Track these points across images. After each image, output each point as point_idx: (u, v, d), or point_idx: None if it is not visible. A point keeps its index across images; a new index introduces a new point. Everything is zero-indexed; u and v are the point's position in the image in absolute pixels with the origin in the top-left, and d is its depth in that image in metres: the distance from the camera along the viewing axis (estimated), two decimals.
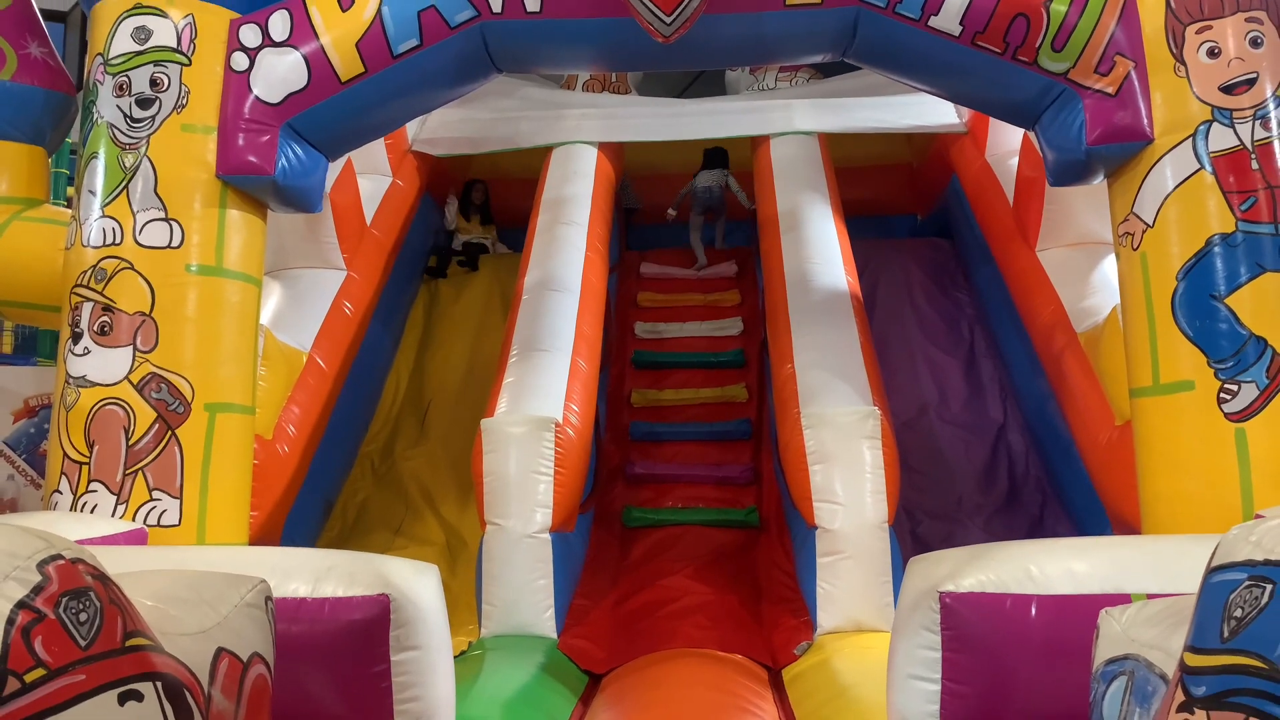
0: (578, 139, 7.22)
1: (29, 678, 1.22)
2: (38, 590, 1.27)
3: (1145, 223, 4.07)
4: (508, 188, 7.92)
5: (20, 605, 1.24)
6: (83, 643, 1.30)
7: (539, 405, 4.82)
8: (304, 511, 5.26)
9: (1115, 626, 2.02)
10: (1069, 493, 5.43)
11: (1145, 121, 4.10)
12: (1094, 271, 5.49)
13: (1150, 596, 2.46)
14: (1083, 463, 5.00)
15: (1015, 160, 6.26)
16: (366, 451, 6.28)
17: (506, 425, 4.65)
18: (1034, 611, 2.43)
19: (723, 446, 6.31)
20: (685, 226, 8.04)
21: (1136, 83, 4.12)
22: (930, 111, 7.15)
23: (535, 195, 6.77)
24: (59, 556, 1.35)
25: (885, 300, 6.74)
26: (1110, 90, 4.16)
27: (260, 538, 4.58)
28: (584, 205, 6.54)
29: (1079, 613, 2.36)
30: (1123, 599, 2.41)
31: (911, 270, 7.09)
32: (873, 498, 4.48)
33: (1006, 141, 6.56)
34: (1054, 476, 5.67)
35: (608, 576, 5.42)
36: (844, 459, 4.51)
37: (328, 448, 5.50)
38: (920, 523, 5.47)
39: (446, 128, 7.21)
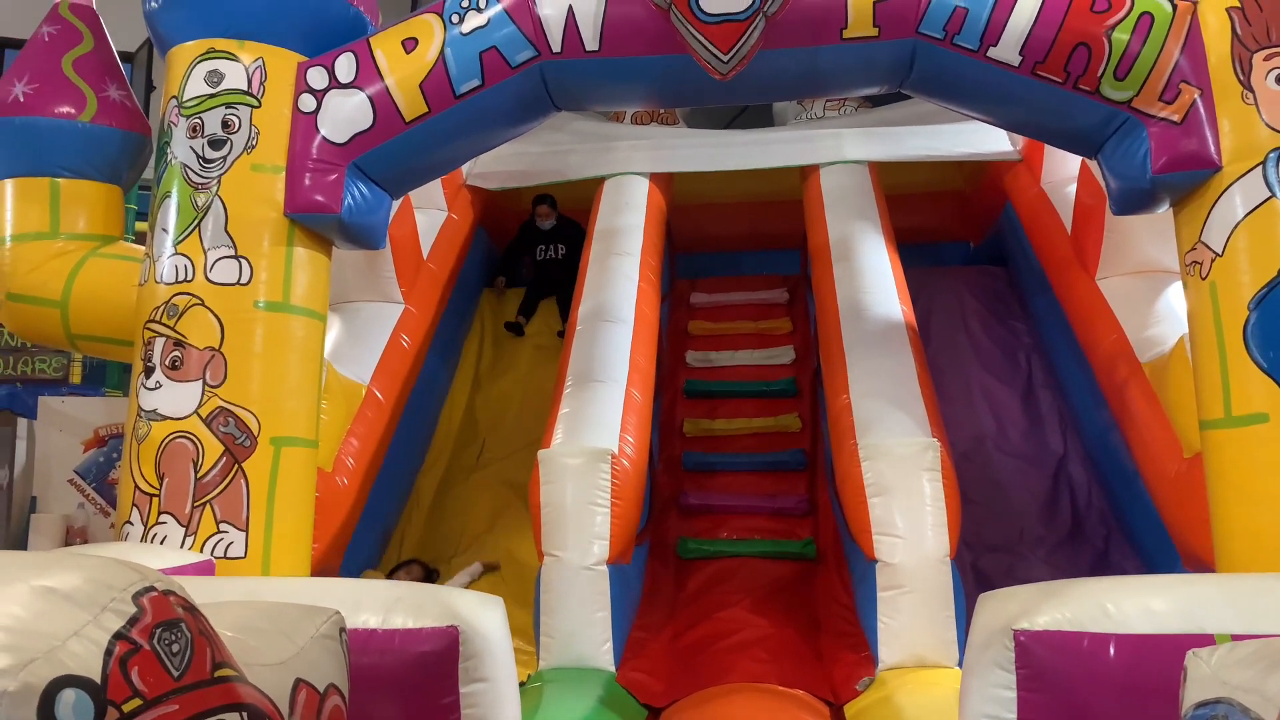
0: (629, 170, 7.27)
1: (127, 708, 1.25)
2: (133, 621, 1.31)
3: (1214, 251, 4.00)
4: None
5: (118, 636, 1.28)
6: (175, 673, 1.34)
7: (595, 436, 4.84)
8: (362, 543, 5.32)
9: (1204, 668, 1.97)
10: (1135, 526, 5.31)
11: (1212, 149, 4.03)
12: (1157, 300, 5.39)
13: (1235, 637, 2.40)
14: (1149, 496, 4.89)
15: (1072, 187, 6.18)
16: (423, 483, 6.34)
17: (563, 456, 4.67)
18: (1112, 651, 2.38)
19: (777, 477, 6.27)
20: (736, 254, 8.07)
21: (1203, 110, 4.07)
22: (983, 139, 7.10)
23: (587, 227, 6.82)
24: (152, 588, 1.39)
25: (939, 329, 6.67)
26: (1176, 118, 4.10)
27: (320, 569, 4.64)
28: (636, 236, 6.58)
29: (1159, 652, 2.31)
30: (1206, 639, 2.35)
31: (965, 298, 7.01)
32: (934, 531, 4.42)
33: (1063, 168, 6.48)
34: (1119, 509, 5.55)
35: (664, 609, 5.40)
36: (903, 491, 4.46)
37: (385, 479, 5.57)
38: (981, 556, 5.38)
39: (499, 162, 7.30)
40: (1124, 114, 4.22)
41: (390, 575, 5.34)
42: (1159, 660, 2.24)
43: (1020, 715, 2.38)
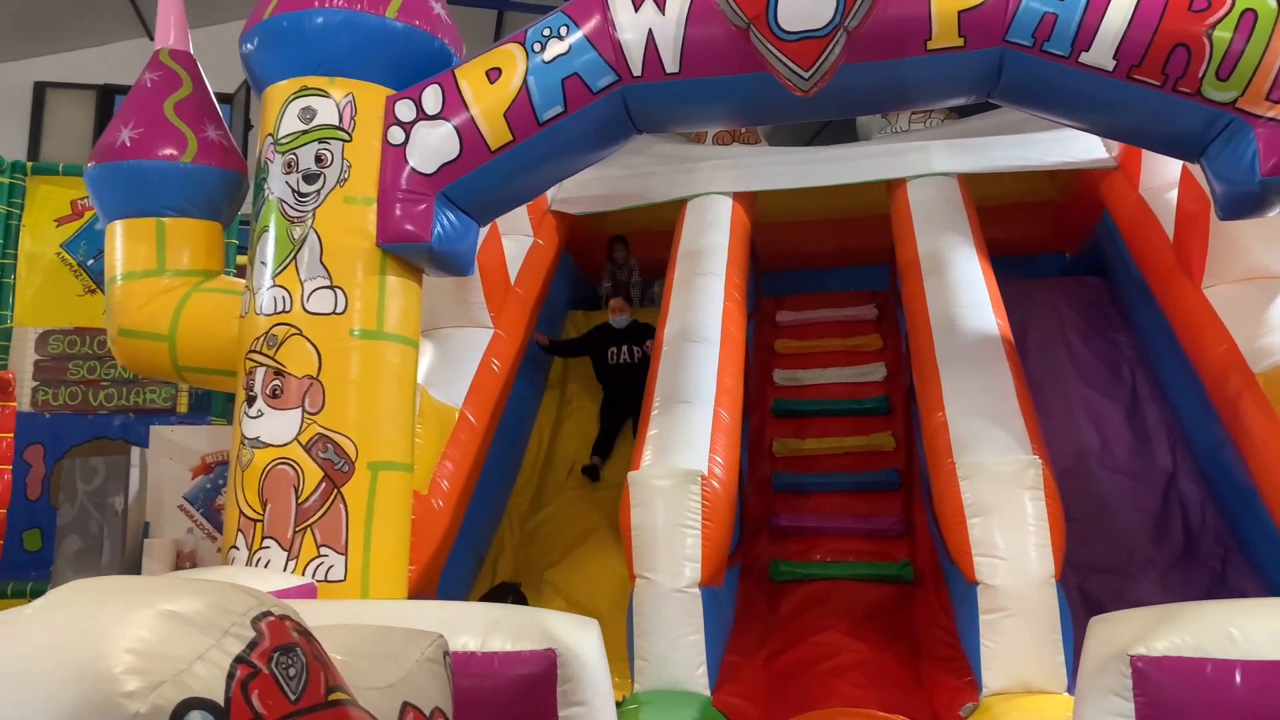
0: (711, 190, 7.27)
1: None
2: (253, 646, 1.34)
3: None
4: (644, 241, 8.03)
5: (238, 660, 1.31)
6: (292, 697, 1.36)
7: (684, 458, 4.81)
8: (457, 565, 5.39)
9: None
10: (1254, 545, 5.05)
11: None
12: (1269, 307, 5.15)
13: None
14: (1269, 513, 4.65)
15: (1173, 193, 5.97)
16: (514, 505, 6.40)
17: (653, 478, 4.66)
18: (1239, 678, 2.25)
19: (870, 497, 6.15)
20: (821, 271, 7.99)
21: None
22: (1077, 147, 6.90)
23: (671, 247, 6.84)
24: (269, 613, 1.42)
25: (1036, 342, 6.48)
26: None
27: (417, 591, 4.71)
28: (721, 255, 6.56)
29: None
30: None
31: (1063, 310, 6.80)
32: (1037, 551, 4.27)
33: (1162, 174, 6.26)
34: (1236, 528, 5.28)
35: (757, 632, 5.33)
36: (1004, 511, 4.32)
37: (478, 502, 5.64)
38: (1088, 578, 5.17)
39: (583, 186, 7.38)
40: (1228, 115, 4.05)
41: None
42: None
43: None
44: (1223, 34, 3.96)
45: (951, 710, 4.22)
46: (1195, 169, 4.93)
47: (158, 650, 1.26)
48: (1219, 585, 5.09)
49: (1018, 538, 4.28)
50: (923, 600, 5.37)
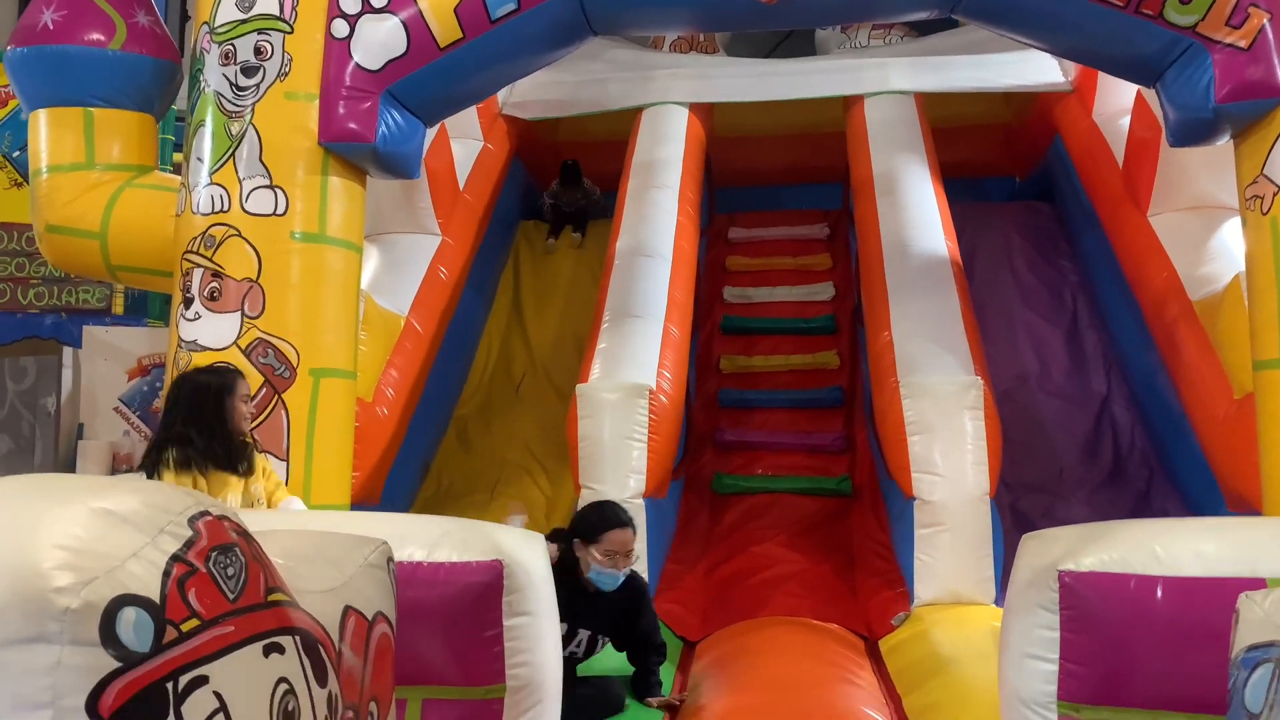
0: (668, 100, 7.13)
1: (185, 627, 1.26)
2: (190, 544, 1.32)
3: (1277, 185, 3.86)
4: (597, 150, 7.87)
5: (174, 558, 1.29)
6: (231, 596, 1.34)
7: (632, 372, 4.82)
8: (402, 473, 5.37)
9: (1257, 611, 1.93)
10: (1179, 468, 5.23)
11: None
12: (1212, 237, 5.23)
13: None
14: (1196, 437, 4.81)
15: (1126, 120, 5.98)
16: (460, 415, 6.36)
17: (601, 391, 4.66)
18: (1160, 593, 2.33)
19: (814, 414, 6.23)
20: (775, 188, 7.94)
21: (1271, 36, 3.89)
22: (1034, 70, 6.87)
23: (625, 158, 6.72)
24: (207, 513, 1.40)
25: (983, 266, 6.54)
26: (1243, 44, 3.93)
27: (361, 498, 4.69)
28: (675, 168, 6.47)
29: (1209, 596, 2.26)
30: (1258, 583, 2.30)
31: (1011, 235, 6.86)
32: (974, 470, 4.38)
33: (1116, 100, 6.27)
34: (1163, 451, 5.46)
35: (699, 543, 5.43)
36: (944, 430, 4.41)
37: (424, 411, 5.59)
38: (1020, 496, 5.33)
39: (536, 91, 7.18)
40: (1187, 40, 4.05)
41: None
42: (1208, 603, 2.20)
43: (1063, 657, 2.35)
44: None
45: (884, 619, 4.36)
46: (1150, 95, 4.95)
47: (90, 547, 1.23)
48: (1143, 505, 5.28)
49: (956, 456, 4.38)
50: (860, 514, 5.50)
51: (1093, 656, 2.35)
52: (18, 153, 7.10)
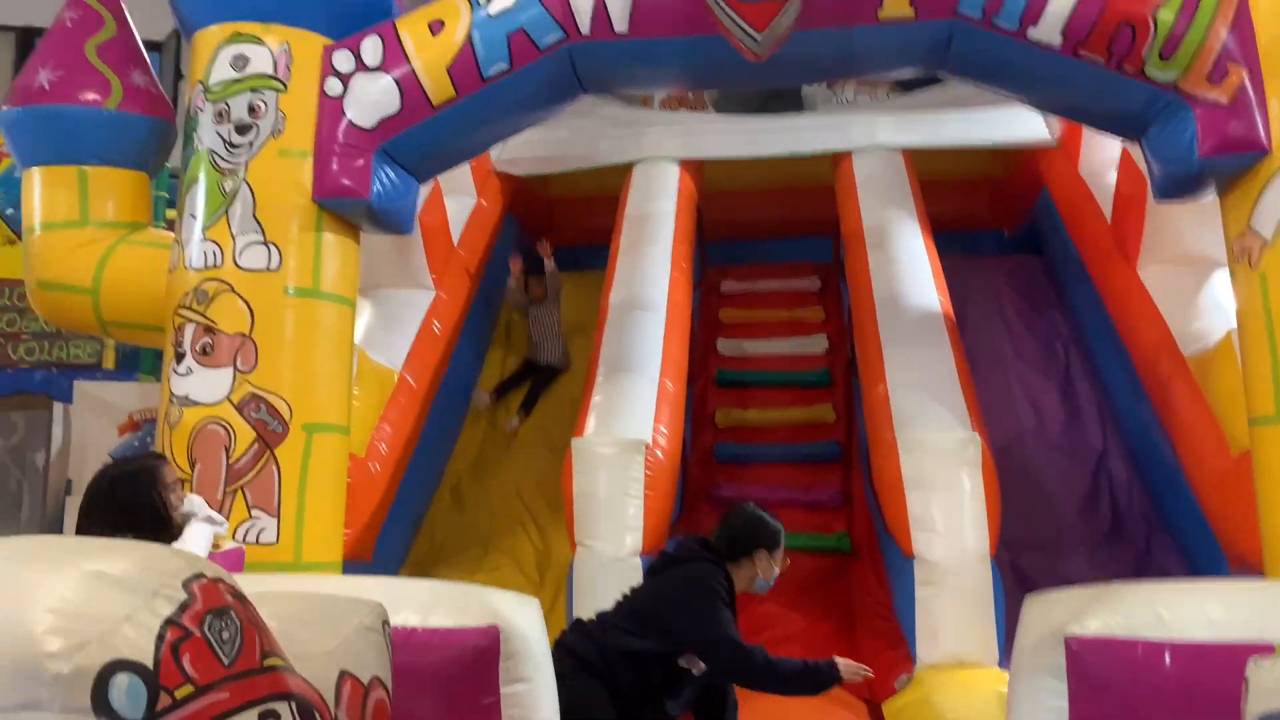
0: (659, 155, 7.20)
1: (179, 693, 1.25)
2: (184, 608, 1.30)
3: (1264, 239, 3.89)
4: (589, 205, 7.94)
5: (169, 622, 1.27)
6: (226, 661, 1.32)
7: (628, 426, 4.79)
8: (394, 528, 5.30)
9: (1268, 678, 1.90)
10: (1178, 525, 5.19)
11: (1262, 132, 3.93)
12: (1201, 291, 5.27)
13: None
14: (1193, 494, 4.78)
15: (1112, 174, 6.06)
16: (453, 470, 6.31)
17: (597, 446, 4.63)
18: (1168, 659, 2.29)
19: (811, 469, 6.20)
20: (767, 241, 7.99)
21: (1251, 92, 3.96)
22: (1019, 125, 6.97)
23: (618, 213, 6.76)
24: (202, 575, 1.38)
25: (975, 319, 6.55)
26: (1224, 100, 3.99)
27: (353, 555, 4.62)
28: (667, 223, 6.51)
29: (1219, 662, 2.23)
30: (1267, 649, 2.27)
31: (1002, 288, 6.89)
32: (973, 527, 4.34)
33: (1102, 155, 6.36)
34: (1161, 508, 5.42)
35: None
36: (943, 486, 4.38)
37: (417, 466, 5.55)
38: (1020, 554, 5.26)
39: (528, 147, 7.23)
40: (1169, 95, 4.11)
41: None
42: (1218, 669, 2.16)
43: None
44: (1167, 15, 4.01)
45: (886, 682, 4.28)
46: (1134, 150, 5.02)
47: (83, 611, 1.21)
48: (1144, 563, 5.23)
49: (955, 513, 4.34)
50: (859, 572, 5.43)
51: None
52: (10, 210, 7.11)
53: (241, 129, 4.33)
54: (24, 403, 6.60)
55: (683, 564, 3.48)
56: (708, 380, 6.80)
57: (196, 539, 3.04)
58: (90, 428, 5.70)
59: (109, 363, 7.07)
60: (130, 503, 2.87)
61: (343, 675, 1.78)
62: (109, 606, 1.24)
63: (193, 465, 4.11)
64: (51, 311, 4.88)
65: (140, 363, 7.01)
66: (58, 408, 5.85)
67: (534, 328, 6.77)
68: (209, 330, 4.20)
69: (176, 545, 2.87)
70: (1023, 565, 5.22)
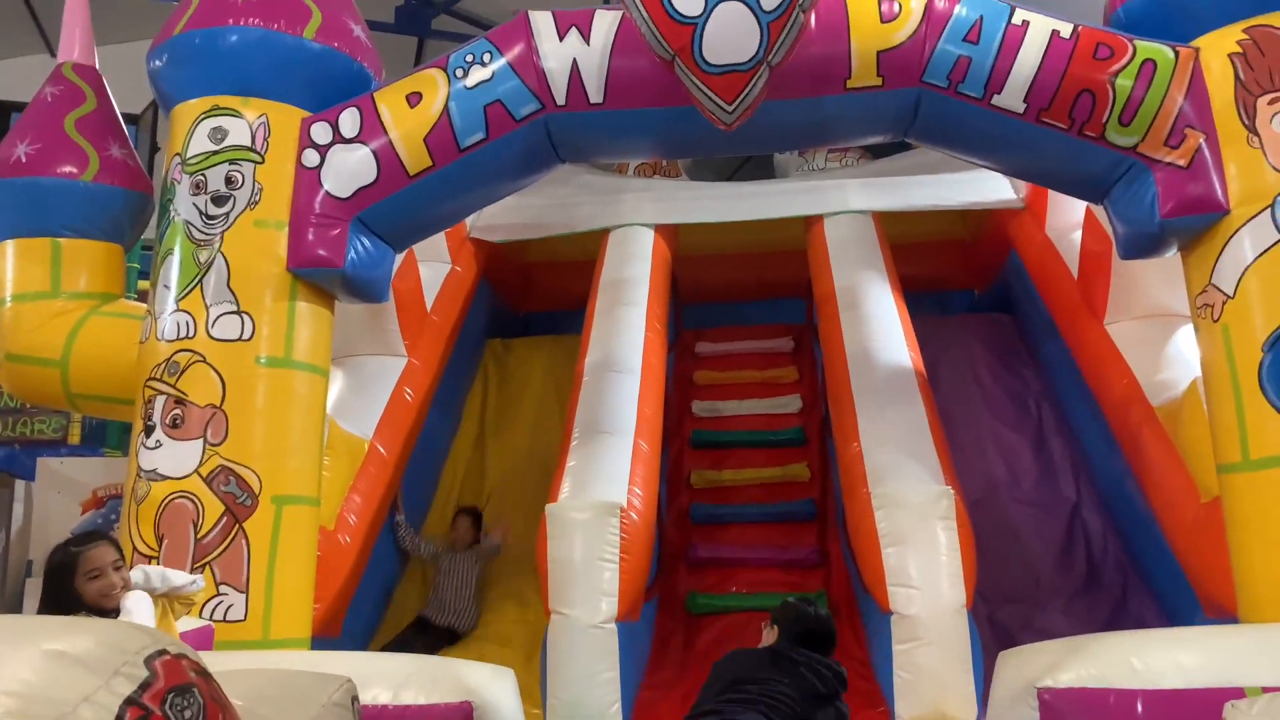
0: (634, 221, 7.29)
1: None
2: (145, 686, 1.27)
3: (1225, 294, 3.98)
4: (565, 270, 8.00)
5: (129, 702, 1.25)
6: None
7: (603, 489, 4.76)
8: (364, 602, 5.21)
9: None
10: (1153, 573, 5.22)
11: (1220, 193, 4.05)
12: (1167, 344, 5.36)
13: (1265, 690, 2.32)
14: (1167, 542, 4.81)
15: (1077, 234, 6.19)
16: (425, 538, 6.23)
17: (571, 511, 4.59)
18: (1140, 707, 2.31)
19: (787, 528, 6.18)
20: (741, 304, 8.06)
21: (1209, 154, 4.08)
22: (986, 188, 7.13)
23: (593, 277, 6.82)
24: (165, 652, 1.35)
25: (947, 377, 6.63)
26: (1182, 163, 4.11)
27: (322, 630, 4.53)
28: (643, 286, 6.56)
29: (1189, 708, 2.24)
30: (1237, 693, 2.28)
31: (973, 346, 6.98)
32: (950, 581, 4.33)
33: (1067, 215, 6.50)
34: (1136, 556, 5.45)
35: (674, 666, 5.28)
36: (918, 541, 4.38)
37: (388, 537, 5.48)
38: (997, 607, 5.26)
39: (503, 214, 7.31)
40: (1130, 159, 4.23)
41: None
42: (1189, 716, 2.18)
43: None
44: (1125, 82, 4.14)
45: None
46: (1099, 210, 5.13)
47: (41, 693, 1.18)
48: (1121, 613, 5.24)
49: (931, 568, 4.33)
50: (838, 630, 5.37)
51: None
52: None
53: (218, 200, 4.35)
54: None
55: None
56: (683, 442, 6.80)
57: (136, 609, 2.97)
58: (53, 505, 5.59)
59: (74, 438, 6.97)
60: (53, 589, 2.88)
61: None
62: (68, 687, 1.21)
63: (160, 540, 4.03)
64: (19, 385, 4.83)
65: (106, 437, 6.92)
66: (19, 485, 5.73)
67: (443, 578, 5.64)
68: (179, 402, 4.16)
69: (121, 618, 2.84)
70: (1000, 618, 5.21)
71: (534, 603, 5.49)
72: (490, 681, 2.42)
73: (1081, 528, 5.79)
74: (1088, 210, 5.81)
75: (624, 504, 4.65)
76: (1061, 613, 5.32)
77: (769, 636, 3.65)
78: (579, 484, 4.84)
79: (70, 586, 2.91)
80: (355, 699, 1.99)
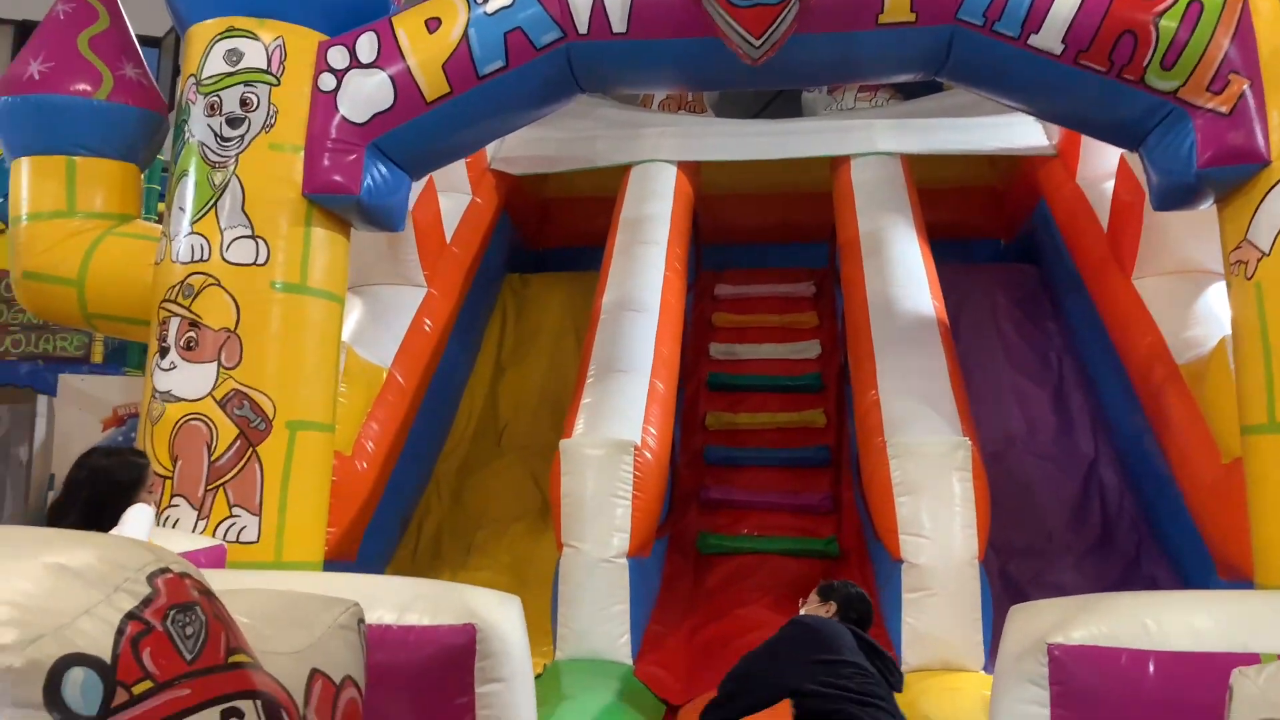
0: (656, 157, 7.17)
1: (137, 689, 1.21)
2: (147, 602, 1.26)
3: (1261, 250, 3.87)
4: (584, 206, 7.91)
5: (130, 616, 1.23)
6: (188, 657, 1.28)
7: (617, 427, 4.75)
8: (380, 528, 5.26)
9: (1252, 688, 1.89)
10: (1168, 532, 5.18)
11: (1261, 142, 3.91)
12: (1196, 301, 5.25)
13: None
14: (1184, 502, 4.76)
15: (1109, 184, 6.04)
16: (442, 470, 6.27)
17: (585, 447, 4.59)
18: (1152, 668, 2.28)
19: (800, 473, 6.16)
20: (762, 246, 7.96)
21: (1252, 102, 3.94)
22: (1018, 133, 6.96)
23: (613, 214, 6.73)
24: (167, 570, 1.34)
25: (969, 327, 6.54)
26: (1224, 109, 3.98)
27: (337, 554, 4.58)
28: (663, 224, 6.48)
29: (1202, 671, 2.21)
30: (1251, 659, 2.25)
31: (997, 297, 6.88)
32: (962, 532, 4.32)
33: (1100, 164, 6.34)
34: (1151, 515, 5.41)
35: (683, 604, 5.31)
36: (932, 491, 4.36)
37: (405, 465, 5.50)
38: (1009, 560, 5.25)
39: (524, 146, 7.22)
40: (1170, 105, 4.10)
41: None
42: (1202, 680, 2.15)
43: None
44: (1169, 23, 3.99)
45: None
46: (1133, 159, 5.00)
47: (39, 603, 1.18)
48: (1133, 571, 5.21)
49: (944, 518, 4.32)
50: (846, 577, 5.38)
51: None
52: (0, 200, 7.06)
53: (233, 122, 4.29)
54: (9, 396, 6.54)
55: None
56: (699, 383, 6.77)
57: (137, 522, 2.93)
58: (74, 421, 5.66)
59: (97, 356, 7.01)
60: (117, 509, 2.84)
61: (314, 674, 1.74)
62: (67, 600, 1.20)
63: (174, 461, 4.06)
64: (36, 303, 4.83)
65: (127, 357, 6.96)
66: (41, 401, 5.79)
67: None
68: (194, 325, 4.16)
69: (115, 530, 2.81)
70: (1011, 571, 5.20)
71: (539, 532, 5.54)
72: (495, 606, 2.41)
73: (1097, 484, 5.75)
74: (1121, 160, 5.66)
75: (638, 442, 4.65)
76: (1073, 569, 5.31)
77: (820, 609, 3.41)
78: (594, 421, 4.84)
79: (130, 500, 2.89)
80: (361, 622, 1.99)
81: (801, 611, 3.43)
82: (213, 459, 4.06)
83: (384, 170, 4.44)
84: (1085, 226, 6.26)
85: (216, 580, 1.73)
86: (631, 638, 4.45)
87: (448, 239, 6.41)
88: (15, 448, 5.77)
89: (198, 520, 4.02)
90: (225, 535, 3.99)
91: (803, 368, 6.81)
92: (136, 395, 5.67)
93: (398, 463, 5.36)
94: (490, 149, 7.18)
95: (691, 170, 7.24)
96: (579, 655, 4.38)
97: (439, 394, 6.09)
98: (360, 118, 4.34)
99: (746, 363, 6.90)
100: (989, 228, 8.08)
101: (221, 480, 4.04)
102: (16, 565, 1.22)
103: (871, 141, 7.16)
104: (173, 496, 4.04)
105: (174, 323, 4.18)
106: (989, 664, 4.10)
